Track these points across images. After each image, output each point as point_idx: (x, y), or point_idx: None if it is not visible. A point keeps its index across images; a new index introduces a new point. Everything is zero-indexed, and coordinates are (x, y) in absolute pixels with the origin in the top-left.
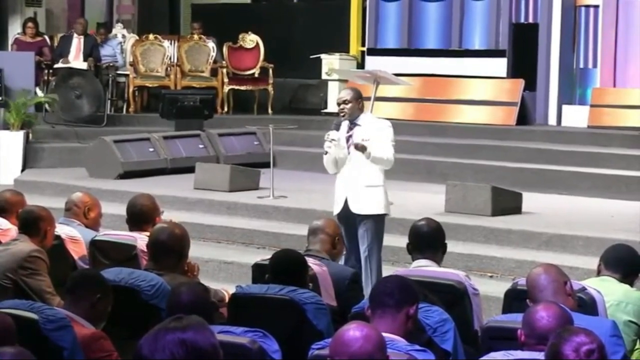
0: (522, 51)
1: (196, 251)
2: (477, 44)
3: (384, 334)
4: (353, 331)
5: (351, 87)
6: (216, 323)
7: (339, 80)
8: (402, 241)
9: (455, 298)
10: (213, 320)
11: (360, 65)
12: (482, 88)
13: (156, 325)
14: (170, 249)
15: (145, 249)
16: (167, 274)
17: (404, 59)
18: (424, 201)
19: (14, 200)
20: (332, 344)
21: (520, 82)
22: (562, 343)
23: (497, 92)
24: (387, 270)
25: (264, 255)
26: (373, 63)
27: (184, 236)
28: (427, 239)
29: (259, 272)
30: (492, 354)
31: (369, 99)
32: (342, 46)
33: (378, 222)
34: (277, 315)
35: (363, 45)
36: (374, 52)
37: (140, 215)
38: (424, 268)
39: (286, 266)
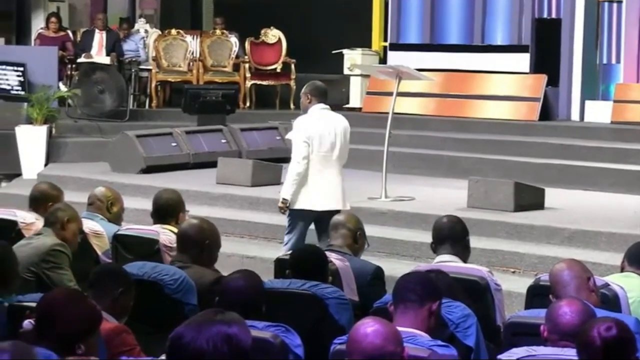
0: (545, 47)
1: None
2: (499, 40)
3: (407, 329)
4: (363, 327)
5: (310, 82)
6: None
7: (361, 75)
8: (424, 236)
9: (477, 294)
10: (262, 311)
11: (383, 60)
12: (504, 83)
13: (181, 319)
14: (196, 242)
15: (168, 244)
16: (192, 267)
17: (427, 54)
18: (446, 197)
19: (50, 194)
20: (347, 341)
21: (543, 78)
22: (588, 329)
23: (520, 88)
24: (409, 266)
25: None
26: (395, 58)
27: (211, 231)
28: (449, 234)
29: (281, 267)
30: (515, 350)
31: (391, 94)
32: (364, 41)
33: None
34: (299, 310)
35: (385, 40)
36: (396, 47)
37: (165, 208)
38: (446, 263)
39: (307, 261)
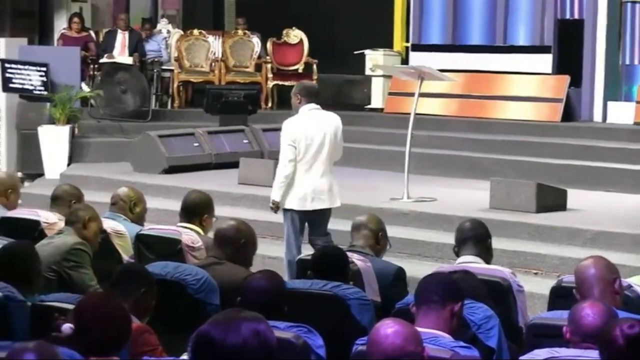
0: (568, 47)
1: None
2: (522, 40)
3: (429, 330)
4: (383, 328)
5: (300, 82)
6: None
7: (382, 76)
8: (445, 237)
9: (500, 295)
10: (284, 311)
11: (405, 61)
12: (527, 84)
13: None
14: (232, 241)
15: (190, 244)
16: (225, 263)
17: (449, 54)
18: (468, 198)
19: (71, 193)
20: (367, 342)
21: (566, 79)
22: (610, 329)
23: (542, 89)
24: (431, 267)
25: (307, 251)
26: (417, 59)
27: (248, 232)
28: (472, 235)
29: (303, 267)
30: (537, 351)
31: (413, 94)
32: (386, 42)
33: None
34: (321, 311)
35: (407, 41)
36: (418, 48)
37: (190, 208)
38: (469, 264)
39: (328, 262)
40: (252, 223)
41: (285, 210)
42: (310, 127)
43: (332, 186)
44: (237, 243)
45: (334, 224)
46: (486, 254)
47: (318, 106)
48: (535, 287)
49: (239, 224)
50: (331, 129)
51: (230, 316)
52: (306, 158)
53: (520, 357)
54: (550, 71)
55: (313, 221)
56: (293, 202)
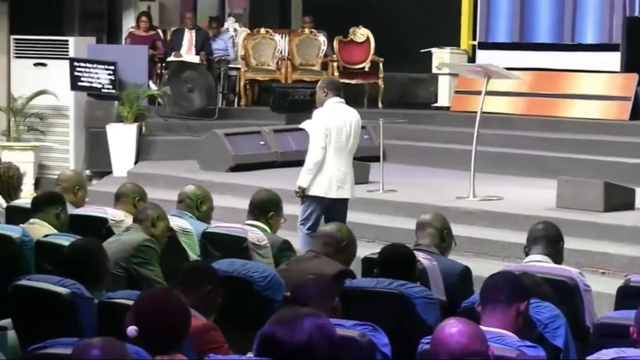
0: (636, 45)
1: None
2: (590, 38)
3: (495, 330)
4: (448, 327)
5: (325, 78)
6: None
7: (449, 74)
8: (512, 236)
9: (566, 294)
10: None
11: (471, 59)
12: (595, 82)
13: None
14: (334, 242)
15: (256, 242)
16: (322, 258)
17: (516, 53)
18: (535, 197)
19: (134, 189)
20: (432, 341)
21: (634, 77)
22: None
23: (611, 87)
24: (497, 266)
25: (373, 249)
26: (484, 57)
27: (349, 234)
28: (543, 235)
29: (369, 265)
30: (604, 352)
31: (479, 93)
32: (453, 40)
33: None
34: (386, 309)
35: (474, 39)
36: (485, 46)
37: (256, 206)
38: (536, 263)
39: (395, 260)
40: None
41: (310, 197)
42: (338, 119)
43: (352, 177)
44: (339, 245)
45: (398, 223)
46: (555, 256)
47: (342, 100)
48: (603, 286)
49: (341, 226)
50: (354, 122)
51: (292, 314)
52: (335, 148)
53: (587, 357)
54: (618, 69)
55: (334, 209)
56: (319, 189)
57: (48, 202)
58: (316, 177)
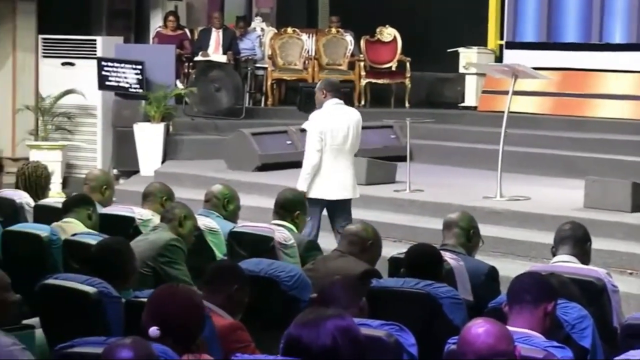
0: None
1: (333, 244)
2: (618, 38)
3: (522, 330)
4: (474, 328)
5: (324, 79)
6: None
7: (476, 74)
8: (539, 236)
9: (593, 295)
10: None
11: (499, 59)
12: (622, 82)
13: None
14: (359, 241)
15: (283, 241)
16: (348, 257)
17: (543, 52)
18: (562, 196)
19: (161, 189)
20: (458, 342)
21: None
22: None
23: (638, 87)
24: (524, 266)
25: (399, 249)
26: (511, 57)
27: (375, 234)
28: (571, 235)
29: (395, 265)
30: (631, 353)
31: (506, 92)
32: (480, 40)
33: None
34: (413, 309)
35: (502, 38)
36: (512, 45)
37: (282, 206)
38: (563, 264)
39: (422, 260)
40: None
41: (311, 200)
42: (336, 121)
43: (353, 177)
44: (365, 244)
45: (425, 223)
46: (582, 256)
47: (341, 101)
48: (630, 287)
49: (367, 226)
50: (353, 122)
51: (316, 316)
52: (332, 150)
53: (614, 358)
54: None
55: (336, 210)
56: (319, 192)
57: (80, 202)
58: (315, 180)
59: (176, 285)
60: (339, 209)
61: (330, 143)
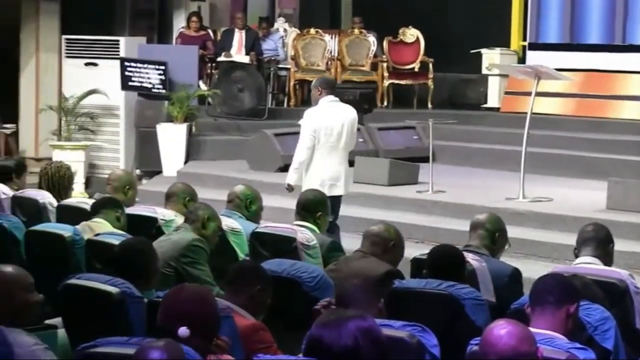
0: None
1: (354, 244)
2: None
3: (544, 332)
4: (497, 329)
5: (320, 76)
6: None
7: (499, 75)
8: (561, 238)
9: (616, 296)
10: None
11: (521, 60)
12: None
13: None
14: (381, 241)
15: (305, 242)
16: (370, 258)
17: (566, 53)
18: (585, 198)
19: (184, 189)
20: (481, 343)
21: None
22: None
23: None
24: (547, 267)
25: (422, 250)
26: (534, 58)
27: (397, 235)
28: (593, 236)
29: (417, 266)
30: None
31: (529, 93)
32: (503, 41)
33: None
34: (435, 310)
35: (524, 40)
36: (535, 46)
37: (304, 206)
38: (585, 265)
39: (444, 261)
40: (365, 222)
41: None
42: (330, 118)
43: (346, 174)
44: (387, 245)
45: (447, 224)
46: (605, 258)
47: (337, 99)
48: None
49: (389, 226)
50: (348, 120)
51: (338, 317)
52: (325, 146)
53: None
54: None
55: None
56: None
57: (108, 204)
58: (308, 175)
59: (187, 285)
60: (332, 205)
61: (324, 140)
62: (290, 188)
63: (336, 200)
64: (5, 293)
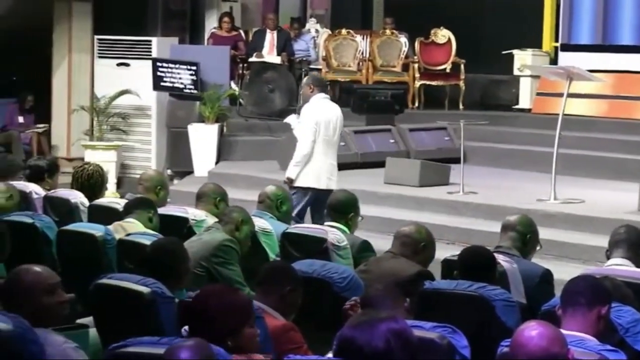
0: None
1: (384, 245)
2: None
3: (575, 333)
4: (527, 331)
5: (310, 74)
6: None
7: (531, 76)
8: (593, 239)
9: None
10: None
11: (553, 61)
12: None
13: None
14: (412, 242)
15: (336, 243)
16: (399, 258)
17: (598, 55)
18: (616, 200)
19: (215, 190)
20: (511, 344)
21: None
22: None
23: None
24: (578, 269)
25: (453, 251)
26: (566, 59)
27: (428, 235)
28: (625, 238)
29: (448, 267)
30: None
31: (561, 95)
32: (534, 42)
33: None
34: (465, 311)
35: (556, 41)
36: (567, 48)
37: (335, 207)
38: (616, 267)
39: (475, 263)
40: (397, 223)
41: (300, 188)
42: (327, 113)
43: (336, 169)
44: (417, 246)
45: (479, 225)
46: (637, 259)
47: (328, 96)
48: None
49: (420, 227)
50: (340, 116)
51: (369, 318)
52: (323, 141)
53: None
54: None
55: (320, 200)
56: (309, 181)
57: (141, 205)
58: (306, 168)
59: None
60: (324, 199)
61: (323, 134)
62: (290, 182)
63: (328, 194)
64: (25, 295)
